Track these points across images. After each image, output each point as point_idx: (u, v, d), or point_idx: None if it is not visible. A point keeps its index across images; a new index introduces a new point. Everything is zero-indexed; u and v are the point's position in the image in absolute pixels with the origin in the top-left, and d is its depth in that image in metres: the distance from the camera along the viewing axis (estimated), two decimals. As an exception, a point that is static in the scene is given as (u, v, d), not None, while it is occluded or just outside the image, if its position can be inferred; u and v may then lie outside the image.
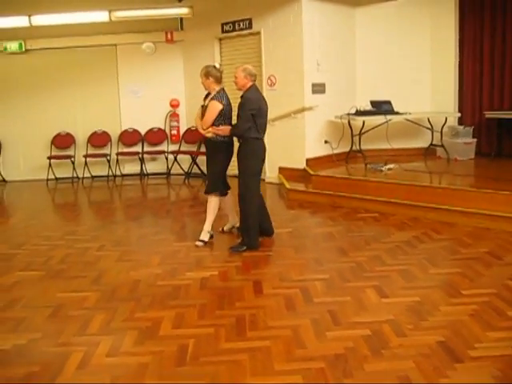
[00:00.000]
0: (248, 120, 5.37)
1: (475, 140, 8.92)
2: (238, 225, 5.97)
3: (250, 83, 5.50)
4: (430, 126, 9.13)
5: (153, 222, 7.17)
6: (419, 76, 9.46)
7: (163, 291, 4.35)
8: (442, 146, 8.93)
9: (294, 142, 8.79)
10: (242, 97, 5.45)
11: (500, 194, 6.13)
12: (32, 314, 3.98)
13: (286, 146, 8.75)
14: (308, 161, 8.75)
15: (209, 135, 5.58)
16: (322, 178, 7.91)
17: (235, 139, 5.66)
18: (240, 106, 5.46)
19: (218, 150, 5.66)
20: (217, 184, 5.70)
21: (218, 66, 5.74)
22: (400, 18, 9.38)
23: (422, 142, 9.46)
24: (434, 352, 3.19)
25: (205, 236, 5.73)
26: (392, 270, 4.69)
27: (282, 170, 8.93)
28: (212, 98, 5.56)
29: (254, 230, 5.50)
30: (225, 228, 6.12)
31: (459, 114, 9.08)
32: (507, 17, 8.71)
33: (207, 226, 5.75)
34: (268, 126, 5.76)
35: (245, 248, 5.43)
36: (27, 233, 6.55)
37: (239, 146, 5.59)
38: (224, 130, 5.51)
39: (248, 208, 5.50)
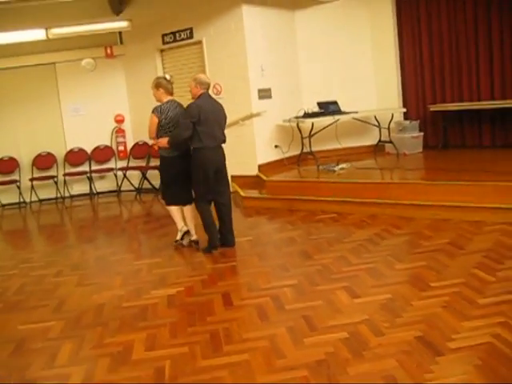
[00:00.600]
0: (187, 128, 5.35)
1: (422, 134, 9.09)
2: (193, 237, 5.88)
3: (201, 91, 5.48)
4: (377, 123, 9.24)
5: (108, 242, 6.93)
6: (362, 74, 9.61)
7: (130, 313, 4.19)
8: (391, 141, 9.05)
9: (244, 149, 8.71)
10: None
11: (452, 184, 6.26)
12: (-7, 350, 3.76)
13: (236, 153, 8.59)
14: (260, 167, 8.69)
15: (155, 147, 5.78)
16: (276, 183, 7.87)
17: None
18: (181, 114, 5.51)
19: (162, 164, 5.77)
20: (169, 196, 5.80)
21: (168, 77, 5.77)
22: (339, 19, 9.48)
23: (371, 140, 9.58)
24: (414, 348, 3.18)
25: (178, 236, 5.91)
26: (359, 269, 4.68)
27: (234, 178, 8.77)
28: (152, 111, 5.61)
29: (211, 232, 5.65)
30: (183, 242, 5.99)
31: (404, 110, 9.25)
32: (441, 10, 8.95)
33: (178, 226, 5.89)
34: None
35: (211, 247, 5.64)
36: (-23, 264, 6.24)
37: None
38: (161, 141, 5.55)
39: (200, 214, 5.63)
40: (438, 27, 9.03)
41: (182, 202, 5.81)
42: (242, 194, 8.02)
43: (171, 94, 5.69)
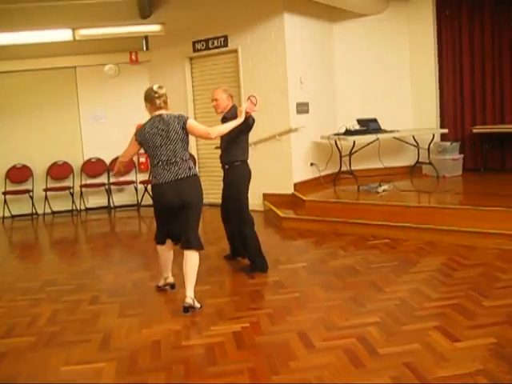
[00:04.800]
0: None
1: (462, 156, 8.61)
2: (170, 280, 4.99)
3: (231, 104, 5.27)
4: (415, 143, 8.75)
5: (142, 263, 6.19)
6: (399, 92, 9.16)
7: (194, 355, 3.56)
8: (430, 163, 8.55)
9: (279, 165, 8.15)
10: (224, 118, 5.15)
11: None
12: (38, 397, 3.13)
13: (270, 170, 8.09)
14: (295, 185, 8.13)
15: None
16: (317, 204, 7.32)
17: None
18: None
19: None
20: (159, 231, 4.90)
21: (156, 87, 4.74)
22: (377, 34, 9.05)
23: (406, 160, 9.12)
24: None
25: (161, 283, 5.02)
26: (443, 305, 4.12)
27: (267, 196, 8.27)
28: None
29: (263, 255, 5.38)
30: (160, 284, 5.04)
31: (446, 130, 8.71)
32: (484, 25, 8.56)
33: (164, 273, 4.99)
34: (250, 149, 5.44)
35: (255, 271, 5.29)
36: (-4, 285, 5.57)
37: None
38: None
39: (252, 239, 5.33)
40: (481, 44, 8.63)
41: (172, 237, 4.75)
42: (280, 214, 7.38)
43: (159, 108, 4.47)
